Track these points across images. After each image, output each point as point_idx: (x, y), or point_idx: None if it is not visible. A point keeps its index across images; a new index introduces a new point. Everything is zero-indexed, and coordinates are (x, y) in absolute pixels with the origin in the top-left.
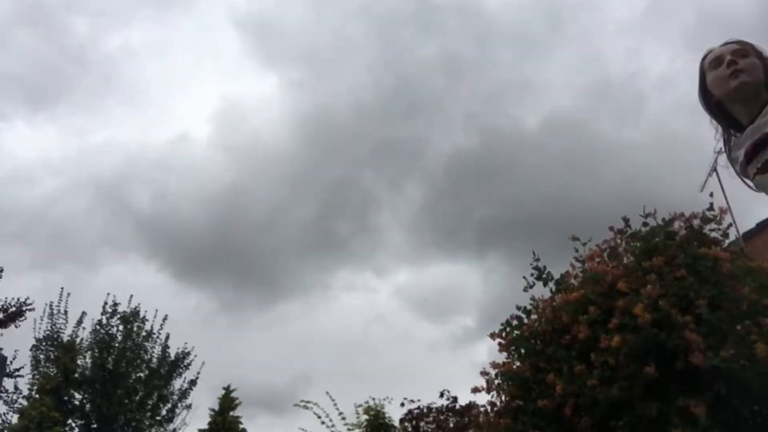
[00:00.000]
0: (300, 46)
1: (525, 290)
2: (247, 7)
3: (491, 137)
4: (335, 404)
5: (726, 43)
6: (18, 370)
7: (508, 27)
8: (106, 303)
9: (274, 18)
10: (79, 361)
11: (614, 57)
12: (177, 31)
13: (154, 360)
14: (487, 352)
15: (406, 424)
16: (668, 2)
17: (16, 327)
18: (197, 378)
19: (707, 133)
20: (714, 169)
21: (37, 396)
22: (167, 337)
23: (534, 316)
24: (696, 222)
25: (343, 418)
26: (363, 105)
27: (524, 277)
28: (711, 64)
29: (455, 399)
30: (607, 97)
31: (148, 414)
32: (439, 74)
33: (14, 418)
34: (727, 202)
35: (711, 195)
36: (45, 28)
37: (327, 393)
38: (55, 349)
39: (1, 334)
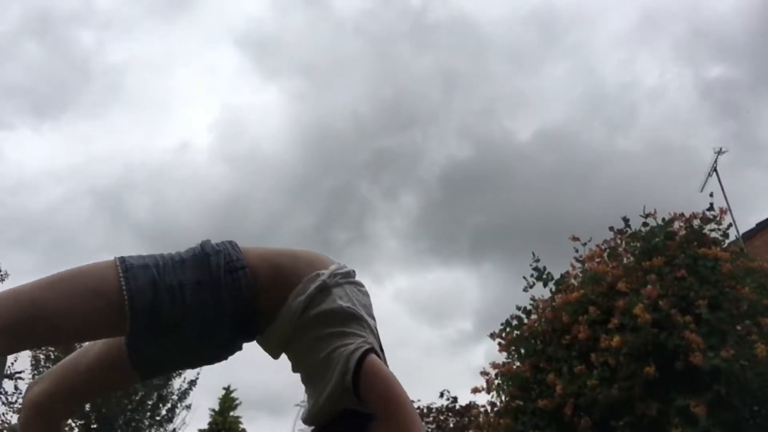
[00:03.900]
0: (299, 60)
1: (525, 290)
2: (248, 22)
3: (485, 148)
4: None
5: None
6: (19, 373)
7: (501, 41)
8: None
9: (274, 33)
10: None
11: (607, 69)
12: (180, 44)
13: None
14: (485, 355)
15: None
16: (660, 15)
17: None
18: (197, 378)
19: (698, 142)
20: (714, 170)
21: None
22: None
23: (534, 316)
24: (696, 222)
25: None
26: (360, 117)
27: (524, 277)
28: None
29: (455, 399)
30: (600, 108)
31: (148, 414)
32: (434, 87)
33: (14, 418)
34: (727, 202)
35: (711, 195)
36: (51, 40)
37: None
38: (55, 349)
39: None
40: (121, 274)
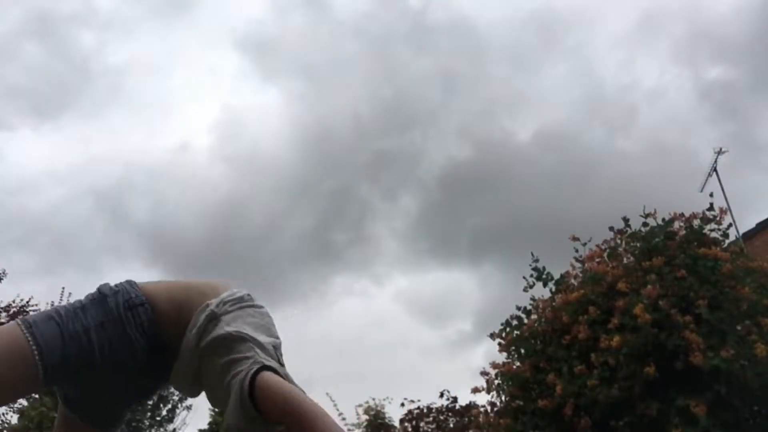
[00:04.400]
0: (299, 61)
1: (525, 290)
2: (248, 23)
3: (485, 149)
4: (335, 405)
5: None
6: None
7: (500, 42)
8: None
9: (274, 34)
10: None
11: (606, 70)
12: (180, 45)
13: None
14: (484, 356)
15: (406, 424)
16: (659, 16)
17: None
18: None
19: (697, 143)
20: (714, 170)
21: (36, 396)
22: None
23: (534, 317)
24: (696, 222)
25: (344, 419)
26: (360, 118)
27: (524, 278)
28: None
29: (455, 399)
30: (599, 109)
31: (148, 414)
32: (433, 88)
33: (14, 418)
34: (727, 202)
35: (711, 195)
36: (51, 40)
37: (327, 394)
38: None
39: None
40: (24, 332)
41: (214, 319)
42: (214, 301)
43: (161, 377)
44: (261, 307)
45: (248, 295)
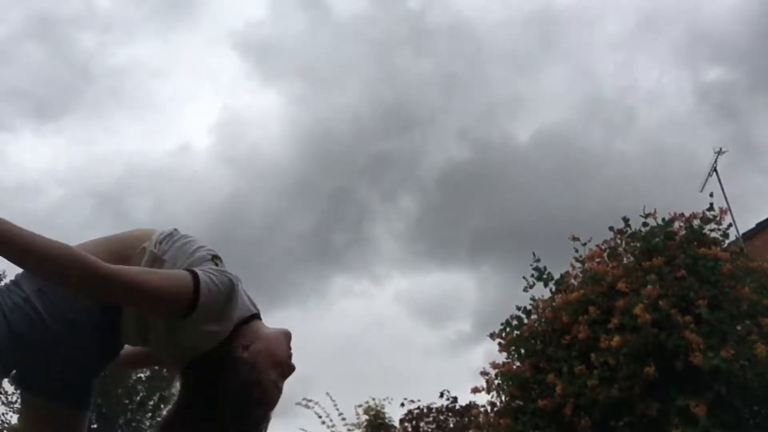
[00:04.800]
0: (299, 64)
1: (525, 290)
2: (248, 26)
3: (484, 151)
4: (335, 405)
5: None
6: None
7: (500, 44)
8: None
9: (274, 36)
10: None
11: (605, 72)
12: (181, 47)
13: None
14: (484, 356)
15: (406, 424)
16: (659, 18)
17: None
18: None
19: (696, 145)
20: (714, 170)
21: None
22: None
23: (534, 316)
24: (696, 222)
25: (344, 419)
26: (359, 120)
27: (524, 278)
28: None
29: (455, 399)
30: (599, 110)
31: (149, 414)
32: (433, 90)
33: (14, 418)
34: (727, 202)
35: (711, 195)
36: (52, 42)
37: (327, 394)
38: None
39: None
40: None
41: (156, 260)
42: (148, 243)
43: (118, 331)
44: (187, 236)
45: (176, 230)
